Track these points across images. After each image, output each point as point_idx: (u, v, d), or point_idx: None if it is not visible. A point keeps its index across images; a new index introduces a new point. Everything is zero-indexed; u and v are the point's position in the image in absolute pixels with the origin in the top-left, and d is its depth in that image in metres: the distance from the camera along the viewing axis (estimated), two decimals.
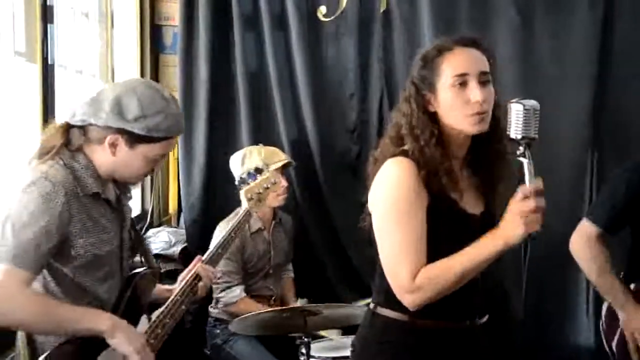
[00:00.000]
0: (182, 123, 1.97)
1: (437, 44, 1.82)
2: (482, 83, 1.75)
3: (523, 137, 1.63)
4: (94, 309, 1.86)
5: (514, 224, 1.61)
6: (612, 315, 2.63)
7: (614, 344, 2.63)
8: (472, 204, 1.83)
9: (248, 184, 2.62)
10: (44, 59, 2.72)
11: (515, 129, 1.63)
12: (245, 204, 2.48)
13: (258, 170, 2.64)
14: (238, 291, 3.17)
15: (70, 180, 1.82)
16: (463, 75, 1.75)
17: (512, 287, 3.34)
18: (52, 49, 2.76)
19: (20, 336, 1.89)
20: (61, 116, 1.93)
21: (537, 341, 3.52)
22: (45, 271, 1.83)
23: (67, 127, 1.89)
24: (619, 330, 2.60)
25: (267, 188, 2.54)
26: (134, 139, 1.86)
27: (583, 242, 2.59)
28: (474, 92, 1.73)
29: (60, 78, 2.87)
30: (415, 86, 1.81)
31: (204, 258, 2.23)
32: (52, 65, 2.77)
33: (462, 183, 1.81)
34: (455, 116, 1.76)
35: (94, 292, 1.90)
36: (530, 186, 1.61)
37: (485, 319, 1.88)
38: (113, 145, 1.86)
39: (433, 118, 1.79)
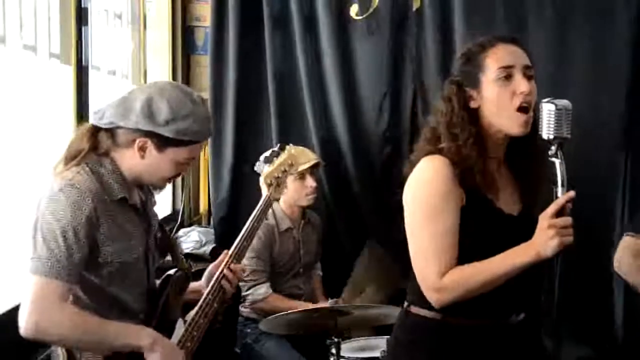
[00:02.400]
0: (211, 126, 1.97)
1: (480, 41, 1.81)
2: (528, 77, 1.75)
3: (555, 137, 1.62)
4: (134, 325, 1.85)
5: (547, 236, 1.59)
6: None
7: None
8: (509, 204, 1.81)
9: (266, 169, 2.51)
10: (78, 61, 2.76)
11: (547, 129, 1.62)
12: (265, 191, 2.42)
13: (274, 153, 2.52)
14: (264, 289, 3.17)
15: (97, 186, 1.80)
16: (508, 67, 1.74)
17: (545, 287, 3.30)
18: (86, 51, 2.80)
19: (62, 352, 1.86)
20: (89, 119, 1.93)
21: (570, 341, 3.47)
22: None
23: (94, 131, 1.88)
24: None
25: (285, 171, 2.46)
26: (163, 142, 1.84)
27: (631, 258, 2.41)
28: (520, 83, 1.73)
29: (94, 79, 2.91)
30: (457, 84, 1.80)
31: (230, 252, 2.21)
32: (86, 67, 2.81)
33: (499, 183, 1.80)
34: (500, 113, 1.74)
35: (123, 300, 1.88)
36: (562, 198, 1.59)
37: (521, 317, 1.86)
38: (142, 149, 1.85)
39: (474, 116, 1.78)
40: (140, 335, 1.81)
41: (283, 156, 2.52)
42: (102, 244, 1.80)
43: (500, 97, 1.74)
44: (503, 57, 1.76)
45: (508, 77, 1.74)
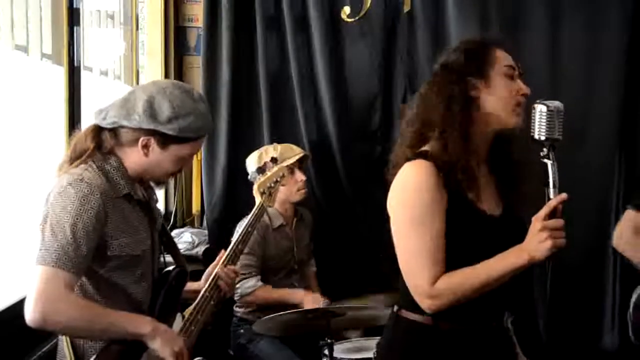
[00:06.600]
0: (211, 122, 2.03)
1: (483, 38, 1.86)
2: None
3: (547, 139, 1.62)
4: (135, 314, 1.89)
5: (539, 239, 1.59)
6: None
7: None
8: (491, 205, 1.81)
9: (259, 179, 2.67)
10: (70, 61, 2.75)
11: (539, 130, 1.62)
12: (258, 199, 2.56)
13: (267, 165, 2.69)
14: (253, 281, 3.15)
15: (104, 182, 1.85)
16: (513, 67, 1.79)
17: (537, 288, 3.32)
18: (78, 51, 2.80)
19: (65, 341, 1.90)
20: (90, 118, 1.96)
21: (561, 343, 3.49)
22: None
23: (98, 131, 1.92)
24: None
25: (277, 181, 2.60)
26: (166, 139, 1.90)
27: (632, 235, 2.38)
28: (522, 85, 1.78)
29: (86, 80, 2.90)
30: (457, 73, 1.79)
31: (225, 254, 2.27)
32: (78, 68, 2.81)
33: (480, 182, 1.79)
34: (504, 103, 1.76)
35: (130, 293, 1.92)
36: (554, 200, 1.59)
37: (512, 319, 1.87)
38: (145, 147, 1.90)
39: (471, 105, 1.77)
40: (141, 324, 1.85)
41: (275, 167, 2.70)
42: (111, 237, 1.85)
43: (506, 91, 1.76)
44: (507, 57, 1.81)
45: (512, 77, 1.78)
